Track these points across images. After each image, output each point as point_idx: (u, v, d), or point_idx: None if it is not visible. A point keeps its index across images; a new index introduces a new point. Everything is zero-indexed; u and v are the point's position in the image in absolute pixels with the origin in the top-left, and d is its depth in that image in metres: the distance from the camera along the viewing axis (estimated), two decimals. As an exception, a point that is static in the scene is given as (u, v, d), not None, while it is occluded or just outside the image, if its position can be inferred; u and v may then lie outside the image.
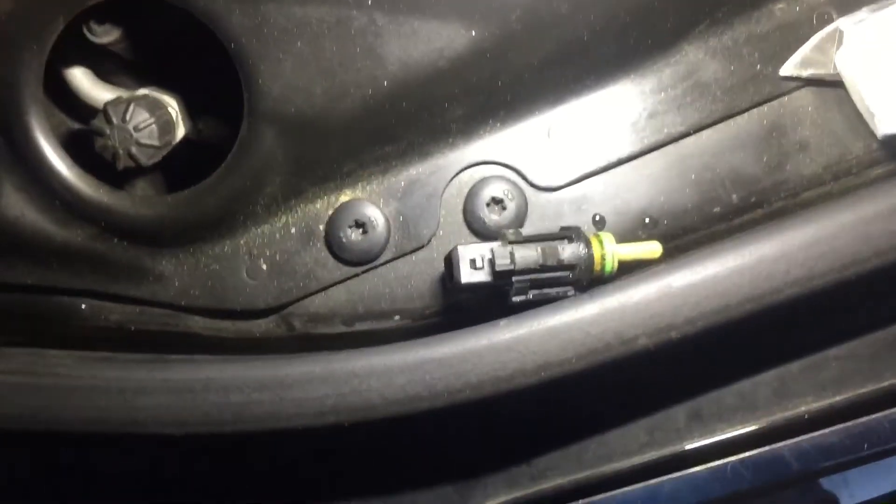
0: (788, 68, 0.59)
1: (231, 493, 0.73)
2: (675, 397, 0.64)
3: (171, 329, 0.62)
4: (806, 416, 0.61)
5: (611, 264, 0.56)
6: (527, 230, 0.57)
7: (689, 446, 0.63)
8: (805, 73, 0.59)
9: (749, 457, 0.61)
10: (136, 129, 0.56)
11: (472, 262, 0.54)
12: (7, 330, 0.63)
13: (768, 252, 0.54)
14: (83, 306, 0.61)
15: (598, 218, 0.60)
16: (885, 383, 0.63)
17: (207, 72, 0.60)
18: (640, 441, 0.64)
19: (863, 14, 0.58)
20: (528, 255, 0.54)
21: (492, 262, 0.54)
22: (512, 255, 0.54)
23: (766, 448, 0.60)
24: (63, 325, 0.62)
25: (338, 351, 0.59)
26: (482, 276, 0.55)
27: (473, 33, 0.55)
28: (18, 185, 0.57)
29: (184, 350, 0.62)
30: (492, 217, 0.60)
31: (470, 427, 0.68)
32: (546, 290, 0.55)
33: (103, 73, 0.63)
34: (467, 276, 0.55)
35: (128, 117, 0.56)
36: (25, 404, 0.57)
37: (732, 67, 0.60)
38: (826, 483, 0.78)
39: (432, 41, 0.55)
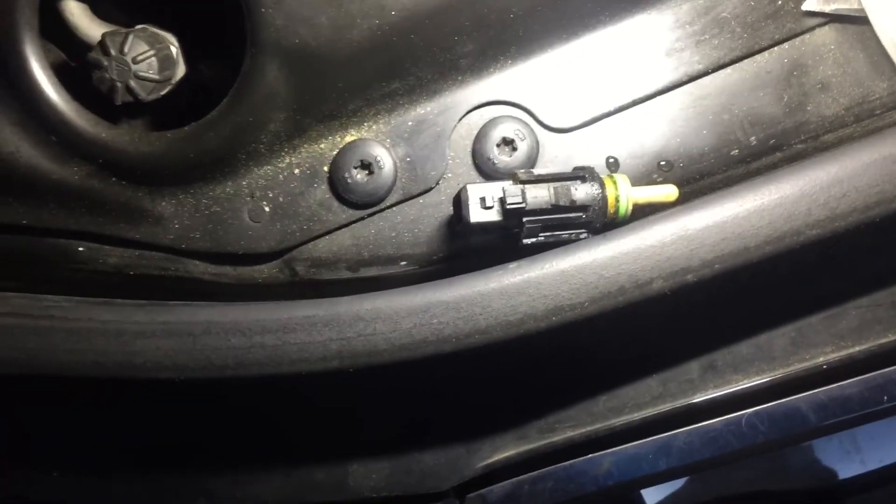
0: (811, 3, 0.57)
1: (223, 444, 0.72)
2: (690, 348, 0.62)
3: (171, 273, 0.60)
4: (824, 367, 0.60)
5: (625, 207, 0.54)
6: (537, 171, 0.55)
7: (702, 398, 0.61)
8: (828, 8, 0.57)
9: (764, 409, 0.59)
10: (135, 61, 0.54)
11: (482, 200, 0.53)
12: (2, 272, 0.61)
13: (788, 192, 0.52)
14: (80, 249, 0.60)
15: (611, 160, 0.58)
16: (906, 334, 0.62)
17: (207, 7, 0.58)
18: (653, 393, 0.62)
19: (890, -52, 0.56)
20: (539, 194, 0.52)
21: (502, 201, 0.52)
22: (523, 193, 0.52)
23: (783, 400, 0.59)
24: (59, 268, 0.60)
25: (343, 297, 0.57)
26: (492, 216, 0.53)
27: (485, -38, 0.53)
28: (13, 119, 0.55)
29: (184, 295, 0.61)
30: (502, 158, 0.58)
31: (476, 377, 0.66)
32: (558, 233, 0.54)
33: (99, 11, 0.61)
34: (477, 215, 0.53)
35: (126, 49, 0.54)
36: (20, 347, 0.55)
37: (753, 3, 0.57)
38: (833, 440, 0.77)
39: (442, -31, 0.53)
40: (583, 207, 0.53)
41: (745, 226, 0.52)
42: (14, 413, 0.69)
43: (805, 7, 0.57)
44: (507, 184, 0.53)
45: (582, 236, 0.54)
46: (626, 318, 0.54)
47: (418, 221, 0.59)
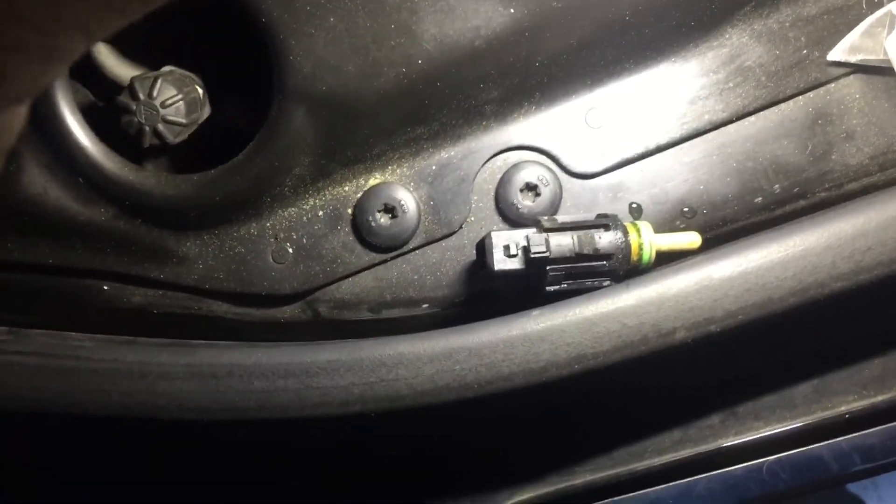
0: (837, 53, 0.57)
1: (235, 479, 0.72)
2: (711, 393, 0.62)
3: (195, 312, 0.61)
4: (846, 416, 0.59)
5: (648, 254, 0.54)
6: (561, 218, 0.55)
7: (724, 444, 0.61)
8: (854, 58, 0.57)
9: (786, 456, 0.59)
10: (163, 105, 0.55)
11: (506, 248, 0.53)
12: (28, 310, 0.61)
13: (813, 244, 0.52)
14: (105, 287, 0.60)
15: (634, 206, 0.58)
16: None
17: (234, 49, 0.59)
18: (674, 438, 0.62)
19: (916, -2, 0.56)
20: (563, 242, 0.53)
21: (526, 250, 0.52)
22: (547, 242, 0.52)
23: (805, 448, 0.58)
24: (84, 306, 0.61)
25: (365, 339, 0.58)
26: (516, 264, 0.53)
27: (512, 11, 0.53)
28: (41, 161, 0.56)
29: (207, 334, 0.61)
30: (525, 203, 0.58)
31: (495, 419, 0.66)
32: (581, 280, 0.54)
33: (126, 51, 0.61)
34: (501, 263, 0.53)
35: (155, 93, 0.55)
36: (46, 387, 0.55)
37: (778, 52, 0.58)
38: (854, 486, 0.76)
39: (469, 19, 0.53)
40: (606, 256, 0.53)
41: (769, 277, 0.52)
42: (33, 445, 0.69)
43: (830, 57, 0.57)
44: (532, 231, 0.53)
45: (605, 284, 0.54)
46: (648, 366, 0.54)
47: (441, 264, 0.59)
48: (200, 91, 0.59)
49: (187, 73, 0.59)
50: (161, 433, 0.60)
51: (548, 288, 0.54)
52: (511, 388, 0.53)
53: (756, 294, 0.52)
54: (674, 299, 0.52)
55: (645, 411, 0.62)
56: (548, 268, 0.53)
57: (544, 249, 0.52)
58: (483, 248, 0.54)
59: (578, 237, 0.53)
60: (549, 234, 0.53)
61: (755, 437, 0.60)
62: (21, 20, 0.16)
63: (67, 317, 0.61)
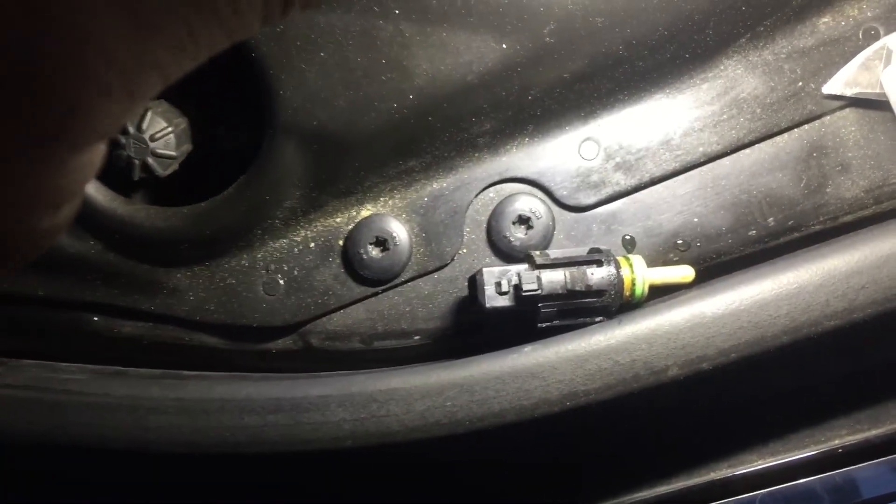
0: (832, 86, 0.56)
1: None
2: (702, 426, 0.62)
3: (185, 343, 0.60)
4: (840, 451, 0.59)
5: (641, 289, 0.54)
6: (553, 250, 0.55)
7: (716, 477, 0.60)
8: (850, 91, 0.56)
9: (779, 490, 0.58)
10: (153, 138, 0.54)
11: (498, 285, 0.53)
12: (18, 342, 0.61)
13: (807, 281, 0.51)
14: (95, 319, 0.60)
15: (628, 238, 0.58)
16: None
17: (223, 82, 0.58)
18: (666, 470, 0.62)
19: (913, 31, 0.55)
20: (555, 279, 0.52)
21: (518, 287, 0.52)
22: (539, 279, 0.52)
23: (798, 482, 0.58)
24: (75, 337, 0.60)
25: (356, 372, 0.57)
26: (507, 301, 0.53)
27: (504, 46, 0.53)
28: (30, 195, 0.55)
29: (198, 365, 0.61)
30: (517, 236, 0.57)
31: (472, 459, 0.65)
32: (573, 318, 0.53)
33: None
34: (492, 300, 0.53)
35: (144, 126, 0.55)
36: (36, 421, 0.55)
37: (773, 84, 0.57)
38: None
39: (461, 54, 0.52)
40: (599, 292, 0.53)
41: (762, 315, 0.51)
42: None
43: (826, 90, 0.56)
44: (524, 268, 0.53)
45: (597, 320, 0.54)
46: (639, 402, 0.54)
47: (433, 297, 0.59)
48: (186, 123, 0.58)
49: (174, 106, 0.58)
50: (153, 464, 0.59)
51: (540, 324, 0.53)
52: (502, 424, 0.53)
53: (749, 332, 0.51)
54: (666, 337, 0.52)
55: (634, 445, 0.62)
56: (539, 304, 0.52)
57: (536, 287, 0.52)
58: (475, 283, 0.54)
59: (571, 273, 0.52)
60: (541, 270, 0.52)
61: (747, 470, 0.60)
62: (111, 65, 0.17)
63: (58, 348, 0.61)
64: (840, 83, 0.56)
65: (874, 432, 0.59)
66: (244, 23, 0.20)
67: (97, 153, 0.20)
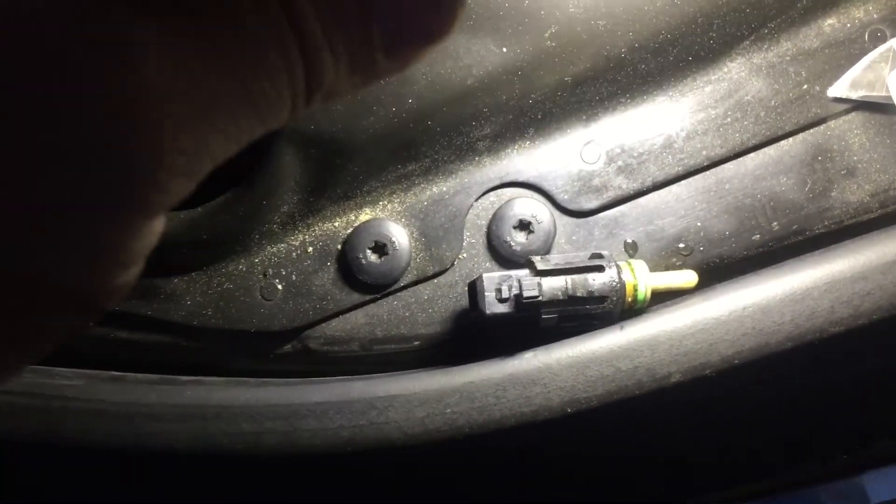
0: (837, 89, 0.56)
1: None
2: (702, 441, 0.61)
3: (183, 348, 0.60)
4: (845, 458, 0.58)
5: (643, 295, 0.54)
6: (554, 255, 0.55)
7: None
8: (855, 94, 0.55)
9: (785, 497, 0.58)
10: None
11: (498, 291, 0.52)
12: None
13: (812, 286, 0.51)
14: (91, 324, 0.59)
15: (630, 242, 0.57)
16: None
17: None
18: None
19: (919, 33, 0.55)
20: (556, 285, 0.52)
21: (518, 294, 0.51)
22: (540, 285, 0.51)
23: (802, 489, 0.57)
24: (70, 342, 0.60)
25: (355, 378, 0.57)
26: (508, 308, 0.52)
27: (505, 50, 0.52)
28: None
29: (195, 370, 0.60)
30: (518, 241, 0.57)
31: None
32: (574, 324, 0.53)
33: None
34: (492, 306, 0.52)
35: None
36: (32, 427, 0.55)
37: (777, 86, 0.56)
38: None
39: (461, 58, 0.52)
40: (600, 298, 0.52)
41: (766, 322, 0.51)
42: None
43: (831, 93, 0.56)
44: (524, 274, 0.52)
45: (599, 325, 0.53)
46: (641, 409, 0.53)
47: (433, 302, 0.58)
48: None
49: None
50: (150, 470, 0.59)
51: (541, 331, 0.53)
52: (502, 430, 0.53)
53: (752, 339, 0.51)
54: (668, 343, 0.51)
55: (637, 452, 0.61)
56: (540, 311, 0.52)
57: (536, 294, 0.51)
58: (475, 289, 0.53)
59: (572, 279, 0.52)
60: (542, 276, 0.52)
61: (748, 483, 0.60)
62: (180, 152, 0.23)
63: (54, 353, 0.60)
64: (845, 86, 0.56)
65: (882, 440, 0.58)
66: (278, 116, 0.25)
67: (160, 223, 0.25)
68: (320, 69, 0.25)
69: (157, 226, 0.25)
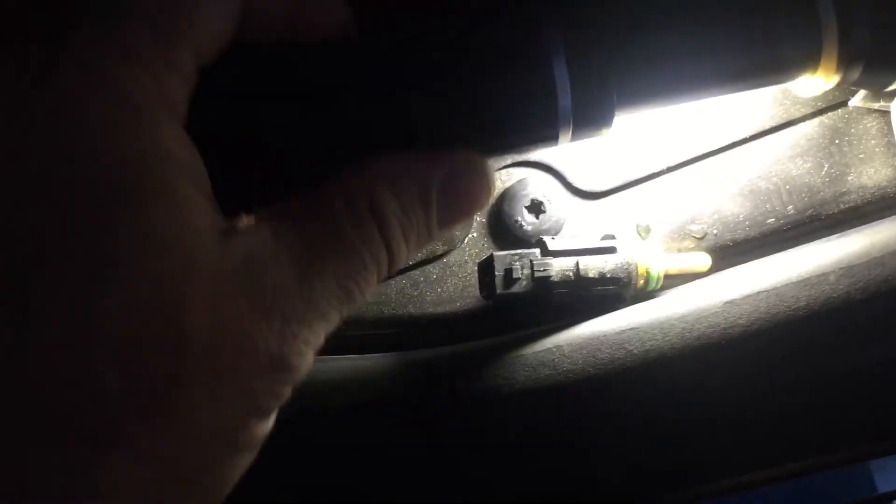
0: (856, 101, 0.54)
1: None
2: (714, 421, 0.60)
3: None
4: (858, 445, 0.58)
5: (656, 278, 0.53)
6: (566, 237, 0.54)
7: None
8: (875, 105, 0.54)
9: (792, 484, 0.57)
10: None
11: (509, 271, 0.51)
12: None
13: (827, 273, 0.50)
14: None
15: (643, 225, 0.57)
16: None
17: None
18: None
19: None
20: (567, 266, 0.51)
21: (530, 274, 0.51)
22: (551, 266, 0.51)
23: (810, 475, 0.57)
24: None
25: (362, 356, 0.56)
26: (519, 288, 0.51)
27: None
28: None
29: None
30: (529, 221, 0.56)
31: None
32: (586, 305, 0.52)
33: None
34: (503, 286, 0.51)
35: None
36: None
37: (796, 68, 0.55)
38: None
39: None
40: (613, 280, 0.52)
41: (780, 306, 0.50)
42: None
43: (852, 105, 0.55)
44: (535, 253, 0.52)
45: (611, 307, 0.53)
46: (651, 394, 0.52)
47: (442, 281, 0.57)
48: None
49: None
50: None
51: (551, 310, 0.52)
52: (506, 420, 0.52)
53: (766, 323, 0.50)
54: (680, 326, 0.51)
55: (643, 439, 0.61)
56: (552, 291, 0.51)
57: (548, 274, 0.50)
58: (485, 269, 0.52)
59: (584, 260, 0.51)
60: (553, 256, 0.51)
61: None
62: (299, 358, 0.28)
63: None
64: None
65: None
66: (359, 303, 0.30)
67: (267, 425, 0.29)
68: (396, 260, 0.30)
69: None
